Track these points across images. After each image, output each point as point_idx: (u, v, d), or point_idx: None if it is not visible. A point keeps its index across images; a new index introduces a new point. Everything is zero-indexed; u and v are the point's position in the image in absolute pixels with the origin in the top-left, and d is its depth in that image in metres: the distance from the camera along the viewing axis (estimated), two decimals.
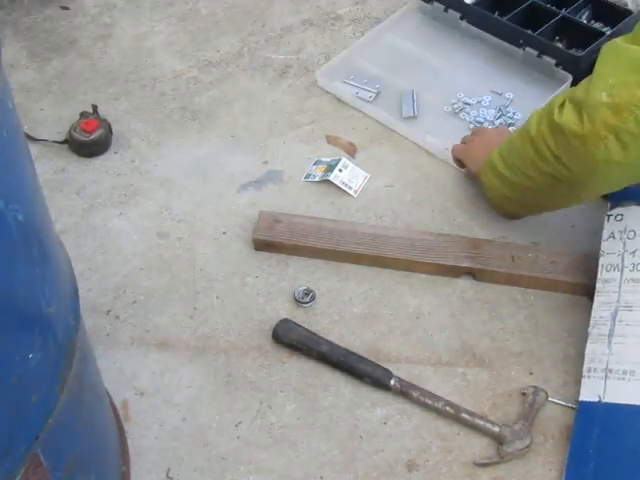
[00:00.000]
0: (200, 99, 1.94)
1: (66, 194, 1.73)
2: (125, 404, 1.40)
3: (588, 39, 1.86)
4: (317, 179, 1.73)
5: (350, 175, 1.74)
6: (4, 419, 0.86)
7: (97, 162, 1.80)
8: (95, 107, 1.86)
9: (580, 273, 1.52)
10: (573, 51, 1.89)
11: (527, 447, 1.32)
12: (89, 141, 1.78)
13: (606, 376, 1.29)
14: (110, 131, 1.82)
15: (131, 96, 1.94)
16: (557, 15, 1.93)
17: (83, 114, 1.84)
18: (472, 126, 1.82)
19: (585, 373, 1.32)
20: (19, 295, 0.84)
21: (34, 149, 1.80)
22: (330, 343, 1.44)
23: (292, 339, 1.45)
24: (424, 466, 1.32)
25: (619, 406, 1.26)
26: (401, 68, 1.96)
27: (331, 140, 1.83)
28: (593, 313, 1.36)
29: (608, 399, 1.27)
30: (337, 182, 1.71)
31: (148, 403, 1.40)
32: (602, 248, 1.41)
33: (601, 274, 1.39)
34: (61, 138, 1.82)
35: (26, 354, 0.86)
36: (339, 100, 1.91)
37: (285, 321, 1.47)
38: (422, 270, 1.57)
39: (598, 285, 1.38)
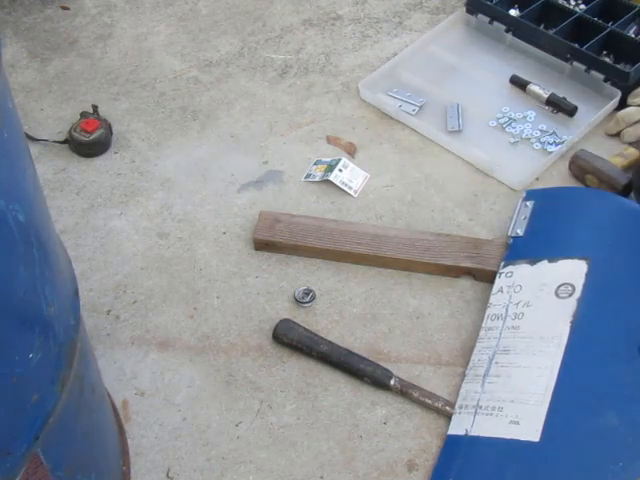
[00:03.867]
0: (200, 99, 1.94)
1: (66, 194, 1.73)
2: (125, 404, 1.40)
3: (636, 54, 1.85)
4: (317, 179, 1.73)
5: (350, 175, 1.74)
6: (4, 419, 0.86)
7: (97, 162, 1.80)
8: (95, 107, 1.86)
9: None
10: (621, 66, 1.86)
11: None
12: (89, 141, 1.78)
13: (475, 412, 1.33)
14: (110, 131, 1.82)
15: (131, 96, 1.94)
16: (605, 29, 1.90)
17: (83, 114, 1.84)
18: (512, 140, 1.79)
19: (456, 410, 1.35)
20: (19, 295, 0.84)
21: (34, 149, 1.80)
22: (330, 343, 1.44)
23: (292, 339, 1.45)
24: (424, 466, 1.32)
25: (483, 439, 1.29)
26: (445, 81, 1.94)
27: (331, 140, 1.83)
28: (472, 357, 1.41)
29: (474, 432, 1.30)
30: (337, 182, 1.71)
31: (148, 403, 1.40)
32: (490, 301, 1.47)
33: (485, 323, 1.44)
34: (61, 138, 1.82)
35: (26, 354, 0.86)
36: (339, 100, 1.92)
37: (285, 321, 1.48)
38: (422, 270, 1.57)
39: (481, 333, 1.43)
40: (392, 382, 1.39)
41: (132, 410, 1.39)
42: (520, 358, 1.36)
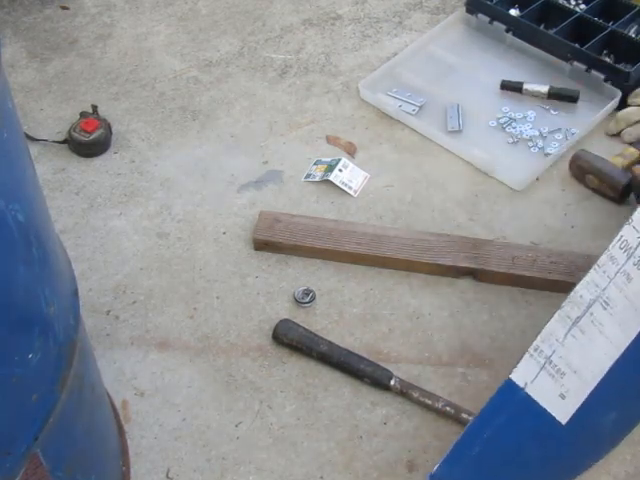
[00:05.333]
0: (200, 99, 1.94)
1: (66, 194, 1.73)
2: (125, 404, 1.40)
3: (637, 54, 1.85)
4: (317, 179, 1.73)
5: (350, 175, 1.74)
6: (4, 419, 0.86)
7: (97, 162, 1.80)
8: (95, 107, 1.86)
9: (580, 273, 1.52)
10: (622, 66, 1.86)
11: None
12: (89, 141, 1.78)
13: (543, 366, 1.24)
14: (110, 131, 1.82)
15: (131, 96, 1.94)
16: (605, 29, 1.91)
17: (83, 114, 1.84)
18: (511, 140, 1.79)
19: (531, 351, 1.24)
20: (19, 295, 0.84)
21: (34, 149, 1.80)
22: (330, 343, 1.44)
23: (292, 339, 1.45)
24: (424, 466, 1.32)
25: (533, 403, 1.22)
26: (445, 81, 1.94)
27: (331, 140, 1.83)
28: (578, 287, 1.27)
29: (530, 390, 1.22)
30: (337, 182, 1.71)
31: (148, 403, 1.40)
32: (632, 217, 1.26)
33: (613, 246, 1.27)
34: (61, 138, 1.82)
35: (26, 354, 0.86)
36: (339, 100, 1.91)
37: (285, 321, 1.47)
38: (422, 270, 1.57)
39: (603, 257, 1.27)
40: (392, 382, 1.39)
41: (132, 410, 1.39)
42: (609, 322, 1.26)
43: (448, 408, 1.36)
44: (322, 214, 1.67)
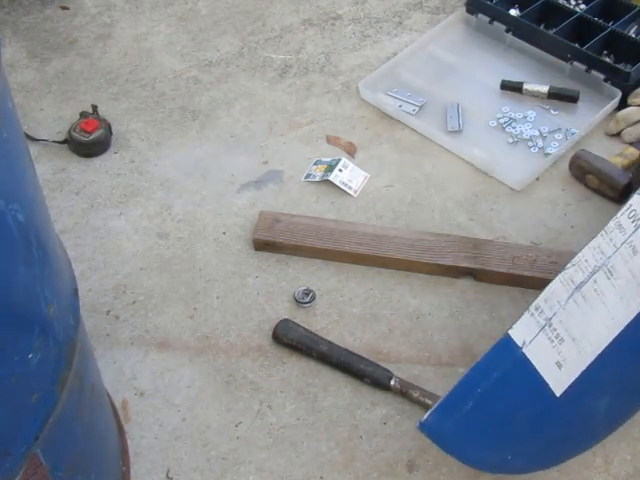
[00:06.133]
0: (200, 99, 1.94)
1: (66, 194, 1.73)
2: (125, 404, 1.40)
3: (637, 54, 1.85)
4: (317, 179, 1.73)
5: (350, 175, 1.74)
6: (4, 419, 0.86)
7: (97, 162, 1.80)
8: (95, 107, 1.86)
9: None
10: (622, 66, 1.86)
11: None
12: (89, 141, 1.78)
13: (543, 328, 1.21)
14: (110, 131, 1.82)
15: (131, 96, 1.94)
16: (605, 29, 1.91)
17: (83, 114, 1.84)
18: (511, 140, 1.79)
19: (532, 309, 1.21)
20: (19, 295, 0.84)
21: (34, 149, 1.80)
22: (330, 343, 1.44)
23: (292, 339, 1.45)
24: (424, 466, 1.32)
25: (527, 365, 1.20)
26: (445, 81, 1.94)
27: (331, 140, 1.83)
28: (584, 251, 1.24)
29: (527, 351, 1.20)
30: (337, 182, 1.71)
31: (148, 403, 1.40)
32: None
33: (622, 214, 1.25)
34: (61, 138, 1.82)
35: (26, 354, 0.86)
36: (339, 100, 1.91)
37: (285, 321, 1.47)
38: (422, 270, 1.57)
39: (611, 223, 1.25)
40: (392, 382, 1.39)
41: (132, 410, 1.39)
42: (611, 293, 1.24)
43: None
44: (322, 214, 1.67)
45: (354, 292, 1.55)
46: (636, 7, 1.96)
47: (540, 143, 1.78)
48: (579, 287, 1.23)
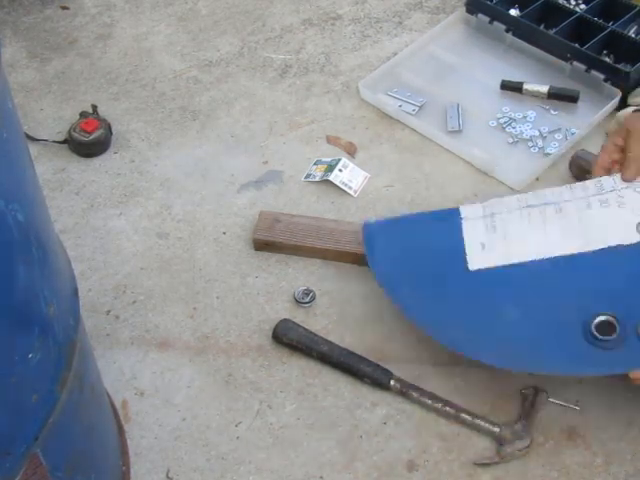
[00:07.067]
0: (200, 99, 1.94)
1: (66, 194, 1.73)
2: (125, 404, 1.40)
3: (637, 54, 1.84)
4: (317, 179, 1.73)
5: (350, 175, 1.74)
6: (4, 419, 0.86)
7: (97, 162, 1.80)
8: (95, 107, 1.86)
9: None
10: (622, 66, 1.86)
11: (527, 447, 1.32)
12: (89, 141, 1.78)
13: (485, 216, 1.43)
14: (110, 131, 1.82)
15: (131, 96, 1.94)
16: (605, 29, 1.90)
17: (83, 114, 1.84)
18: (511, 140, 1.80)
19: (485, 202, 1.44)
20: (19, 295, 0.84)
21: (34, 149, 1.80)
22: (330, 343, 1.44)
23: (292, 339, 1.45)
24: (424, 466, 1.32)
25: (459, 234, 1.42)
26: (445, 81, 1.93)
27: (331, 140, 1.83)
28: (546, 190, 1.44)
29: (464, 222, 1.43)
30: (337, 182, 1.71)
31: (148, 403, 1.40)
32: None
33: (585, 182, 1.42)
34: (61, 138, 1.82)
35: (26, 354, 0.86)
36: (339, 100, 1.92)
37: (285, 321, 1.47)
38: None
39: (579, 183, 1.43)
40: (392, 382, 1.39)
41: (132, 410, 1.39)
42: (554, 225, 1.39)
43: (448, 408, 1.36)
44: (322, 214, 1.67)
45: (354, 292, 1.55)
46: (636, 7, 1.95)
47: (540, 143, 1.78)
48: (529, 207, 1.42)
